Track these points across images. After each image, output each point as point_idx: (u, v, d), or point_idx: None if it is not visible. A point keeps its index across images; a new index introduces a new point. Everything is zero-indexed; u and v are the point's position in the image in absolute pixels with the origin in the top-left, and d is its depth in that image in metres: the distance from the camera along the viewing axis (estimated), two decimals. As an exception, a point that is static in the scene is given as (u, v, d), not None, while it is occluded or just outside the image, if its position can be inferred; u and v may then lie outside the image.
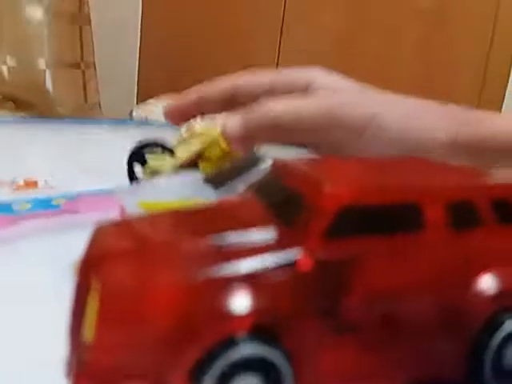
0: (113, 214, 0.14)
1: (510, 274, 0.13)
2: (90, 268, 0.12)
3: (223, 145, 0.28)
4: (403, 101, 0.29)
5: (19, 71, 1.16)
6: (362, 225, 0.12)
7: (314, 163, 0.16)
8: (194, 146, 0.29)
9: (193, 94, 0.31)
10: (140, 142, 0.31)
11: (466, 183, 0.14)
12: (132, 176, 0.30)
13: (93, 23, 1.29)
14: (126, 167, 0.30)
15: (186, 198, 0.15)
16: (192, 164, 0.29)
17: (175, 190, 0.16)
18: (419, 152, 0.25)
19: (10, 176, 0.33)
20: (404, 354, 0.13)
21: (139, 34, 1.64)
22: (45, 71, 1.19)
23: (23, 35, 1.16)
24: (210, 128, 0.29)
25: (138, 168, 0.30)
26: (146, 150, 0.30)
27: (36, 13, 1.16)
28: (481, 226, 0.13)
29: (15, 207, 0.27)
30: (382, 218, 0.13)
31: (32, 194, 0.30)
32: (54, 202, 0.28)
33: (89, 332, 0.11)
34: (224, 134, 0.27)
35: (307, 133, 0.28)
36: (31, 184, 0.32)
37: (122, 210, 0.16)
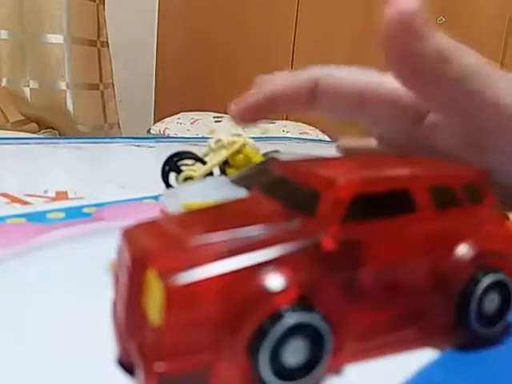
0: (140, 220, 0.16)
1: (481, 242, 0.16)
2: (143, 263, 0.13)
3: (247, 153, 0.31)
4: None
5: (41, 93, 1.21)
6: (369, 210, 0.15)
7: (316, 161, 0.19)
8: (222, 155, 0.33)
9: (264, 89, 0.26)
10: (174, 152, 0.34)
11: (444, 171, 0.17)
12: (166, 182, 0.34)
13: (110, 46, 1.34)
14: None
15: (224, 198, 0.17)
16: (221, 171, 0.33)
17: (213, 191, 0.18)
18: None
19: (42, 189, 0.35)
20: (406, 310, 0.16)
21: (155, 55, 1.69)
22: (65, 92, 1.24)
23: (44, 60, 1.21)
24: (235, 139, 0.33)
25: (171, 175, 0.34)
26: (178, 160, 0.33)
27: (56, 39, 1.22)
28: (456, 206, 0.17)
29: (49, 216, 0.29)
30: (384, 204, 0.15)
31: (64, 204, 0.32)
32: (85, 211, 0.30)
33: (156, 317, 0.12)
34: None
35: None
36: (62, 195, 0.34)
37: (163, 211, 0.17)
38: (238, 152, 0.33)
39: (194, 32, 1.58)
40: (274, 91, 0.26)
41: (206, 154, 0.35)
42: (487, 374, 0.15)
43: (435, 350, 0.16)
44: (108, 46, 1.35)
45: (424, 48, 0.19)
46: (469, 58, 0.22)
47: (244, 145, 0.33)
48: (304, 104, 0.26)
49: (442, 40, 0.20)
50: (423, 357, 0.16)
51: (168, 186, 0.34)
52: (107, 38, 1.34)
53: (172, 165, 0.33)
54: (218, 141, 0.34)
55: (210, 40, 1.54)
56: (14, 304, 0.18)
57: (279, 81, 0.26)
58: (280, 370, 0.13)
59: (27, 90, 1.22)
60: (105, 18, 1.32)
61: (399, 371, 0.15)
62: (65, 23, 1.22)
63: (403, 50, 0.18)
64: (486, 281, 0.16)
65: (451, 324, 0.16)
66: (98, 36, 1.31)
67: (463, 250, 0.16)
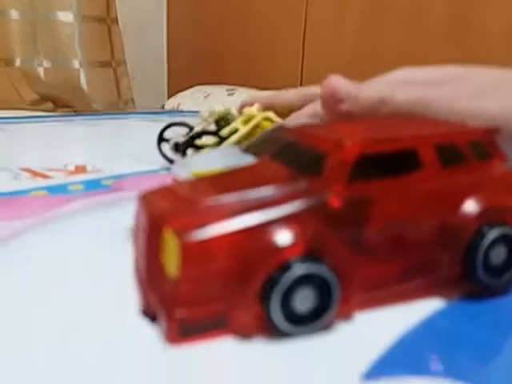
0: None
1: (487, 198, 0.17)
2: (160, 223, 0.14)
3: (265, 126, 0.32)
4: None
5: (55, 72, 1.22)
6: (375, 169, 0.15)
7: (323, 126, 0.19)
8: (242, 131, 0.32)
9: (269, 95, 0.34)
10: (166, 124, 0.36)
11: (450, 130, 0.18)
12: (162, 153, 0.36)
13: (120, 22, 1.33)
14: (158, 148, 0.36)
15: (233, 166, 0.17)
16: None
17: (222, 159, 0.18)
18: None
19: (61, 164, 0.36)
20: (413, 263, 0.16)
21: (165, 29, 1.68)
22: (78, 70, 1.24)
23: (56, 38, 1.21)
24: (253, 113, 0.33)
25: (165, 147, 0.36)
26: (196, 137, 0.34)
27: (67, 17, 1.22)
28: (463, 163, 0.17)
29: (70, 188, 0.30)
30: (390, 163, 0.16)
31: (83, 177, 0.33)
32: (103, 183, 0.31)
33: (173, 270, 0.13)
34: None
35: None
36: (81, 169, 0.35)
37: (175, 180, 0.18)
38: (257, 126, 0.33)
39: (204, 4, 1.55)
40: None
41: (199, 124, 0.36)
42: (492, 322, 0.16)
43: (442, 300, 0.17)
44: (117, 23, 1.34)
45: (352, 103, 0.24)
46: (407, 93, 0.24)
47: (266, 118, 0.33)
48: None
49: (368, 91, 0.24)
50: (430, 306, 0.16)
51: (164, 157, 0.36)
52: (116, 14, 1.33)
53: (163, 137, 0.35)
54: (213, 113, 0.35)
55: (220, 12, 1.51)
56: (42, 266, 0.19)
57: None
58: (291, 316, 0.14)
59: (41, 70, 1.23)
60: (113, -7, 1.31)
61: (406, 319, 0.16)
62: (74, 0, 1.21)
63: (334, 109, 0.25)
64: (492, 235, 0.16)
65: (458, 275, 0.17)
66: (108, 12, 1.30)
67: (470, 205, 0.16)
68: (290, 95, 0.34)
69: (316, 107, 0.30)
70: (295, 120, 0.31)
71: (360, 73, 0.27)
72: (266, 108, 0.34)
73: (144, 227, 0.15)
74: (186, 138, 0.34)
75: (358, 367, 0.13)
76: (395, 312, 0.16)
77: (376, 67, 0.32)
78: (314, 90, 0.32)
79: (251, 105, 0.34)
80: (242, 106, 0.35)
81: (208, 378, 0.13)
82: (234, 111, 0.35)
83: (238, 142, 0.33)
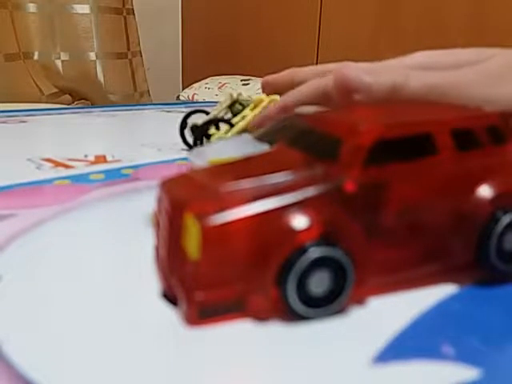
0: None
1: (501, 183, 0.17)
2: (181, 208, 0.15)
3: None
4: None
5: (72, 65, 1.23)
6: (390, 154, 0.16)
7: (338, 112, 0.19)
8: (249, 116, 0.33)
9: (288, 73, 0.33)
10: (187, 112, 0.37)
11: (466, 114, 0.18)
12: (185, 140, 0.37)
13: (135, 14, 1.34)
14: (178, 138, 0.37)
15: (248, 153, 0.18)
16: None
17: (238, 148, 0.19)
18: None
19: (82, 154, 0.37)
20: (427, 248, 0.16)
21: (180, 20, 1.68)
22: (95, 62, 1.26)
23: (73, 31, 1.23)
24: (262, 97, 0.33)
25: (187, 133, 0.37)
26: (206, 126, 0.35)
27: (83, 9, 1.23)
28: (478, 147, 0.17)
29: (91, 178, 0.31)
30: (406, 147, 0.16)
31: (103, 166, 0.34)
32: (123, 172, 0.32)
33: (194, 253, 0.14)
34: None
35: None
36: (101, 159, 0.36)
37: (192, 168, 0.19)
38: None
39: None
40: (286, 105, 0.30)
41: (215, 110, 0.36)
42: (505, 308, 0.16)
43: (455, 285, 0.17)
44: (134, 14, 1.34)
45: (365, 93, 0.24)
46: (421, 79, 0.24)
47: (273, 101, 0.33)
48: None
49: (381, 78, 0.24)
50: (443, 291, 0.17)
51: (186, 143, 0.37)
52: (132, 5, 1.34)
53: (186, 124, 0.36)
54: (227, 98, 0.35)
55: (235, 2, 1.51)
56: (67, 253, 0.20)
57: (291, 94, 0.30)
58: (306, 299, 0.14)
59: (59, 63, 1.24)
60: (129, -16, 1.32)
61: (419, 304, 0.16)
62: (90, -8, 1.22)
63: (347, 99, 0.24)
64: (506, 219, 0.16)
65: (471, 261, 0.17)
66: (124, 3, 1.31)
67: (484, 190, 0.17)
68: (307, 73, 0.34)
69: (322, 83, 0.28)
70: (298, 95, 0.29)
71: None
72: (288, 86, 0.34)
73: (165, 212, 0.16)
74: (202, 123, 0.35)
75: (370, 351, 0.14)
76: (408, 297, 0.16)
77: (393, 56, 0.32)
78: (332, 67, 0.32)
79: (271, 88, 0.34)
80: (266, 88, 0.34)
81: (225, 360, 0.13)
82: (246, 96, 0.35)
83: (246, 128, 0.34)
